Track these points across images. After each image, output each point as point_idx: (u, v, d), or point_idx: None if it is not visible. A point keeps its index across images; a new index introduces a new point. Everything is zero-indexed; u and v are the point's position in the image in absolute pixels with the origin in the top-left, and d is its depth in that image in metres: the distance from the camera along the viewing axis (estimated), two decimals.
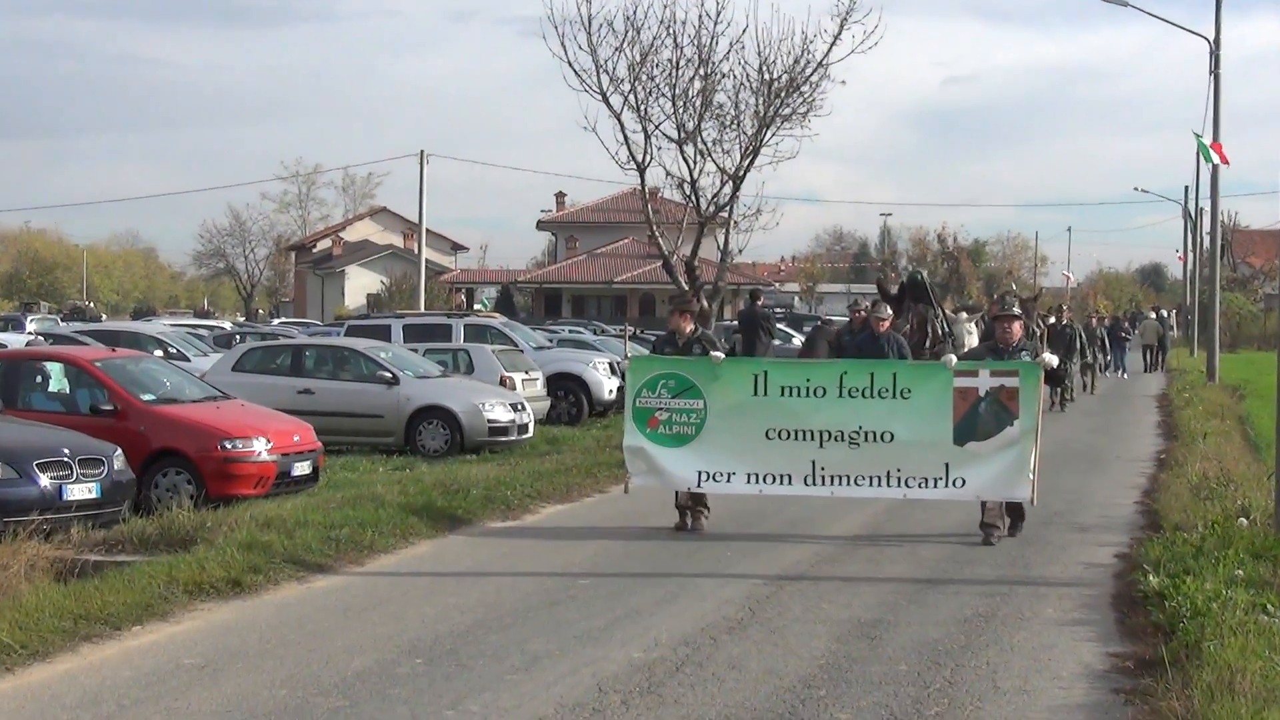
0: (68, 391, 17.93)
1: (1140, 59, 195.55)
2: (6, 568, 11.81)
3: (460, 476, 18.11)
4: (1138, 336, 56.58)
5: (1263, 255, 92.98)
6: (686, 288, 24.67)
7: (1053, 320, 34.74)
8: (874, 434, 14.49)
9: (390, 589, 12.25)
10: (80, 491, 14.46)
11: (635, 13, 25.25)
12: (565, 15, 25.47)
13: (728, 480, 14.86)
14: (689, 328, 15.78)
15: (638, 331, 38.85)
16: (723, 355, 15.60)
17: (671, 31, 25.41)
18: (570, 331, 45.55)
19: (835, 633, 10.62)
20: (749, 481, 14.85)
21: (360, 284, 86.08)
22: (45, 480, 14.20)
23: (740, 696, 8.86)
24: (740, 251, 28.32)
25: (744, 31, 25.62)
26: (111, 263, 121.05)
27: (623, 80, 26.06)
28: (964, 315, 24.82)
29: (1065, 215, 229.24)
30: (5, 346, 27.62)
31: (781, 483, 14.81)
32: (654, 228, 26.81)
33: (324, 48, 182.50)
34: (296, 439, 17.88)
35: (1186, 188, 67.79)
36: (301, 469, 17.66)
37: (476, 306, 74.87)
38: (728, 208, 27.11)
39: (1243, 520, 14.16)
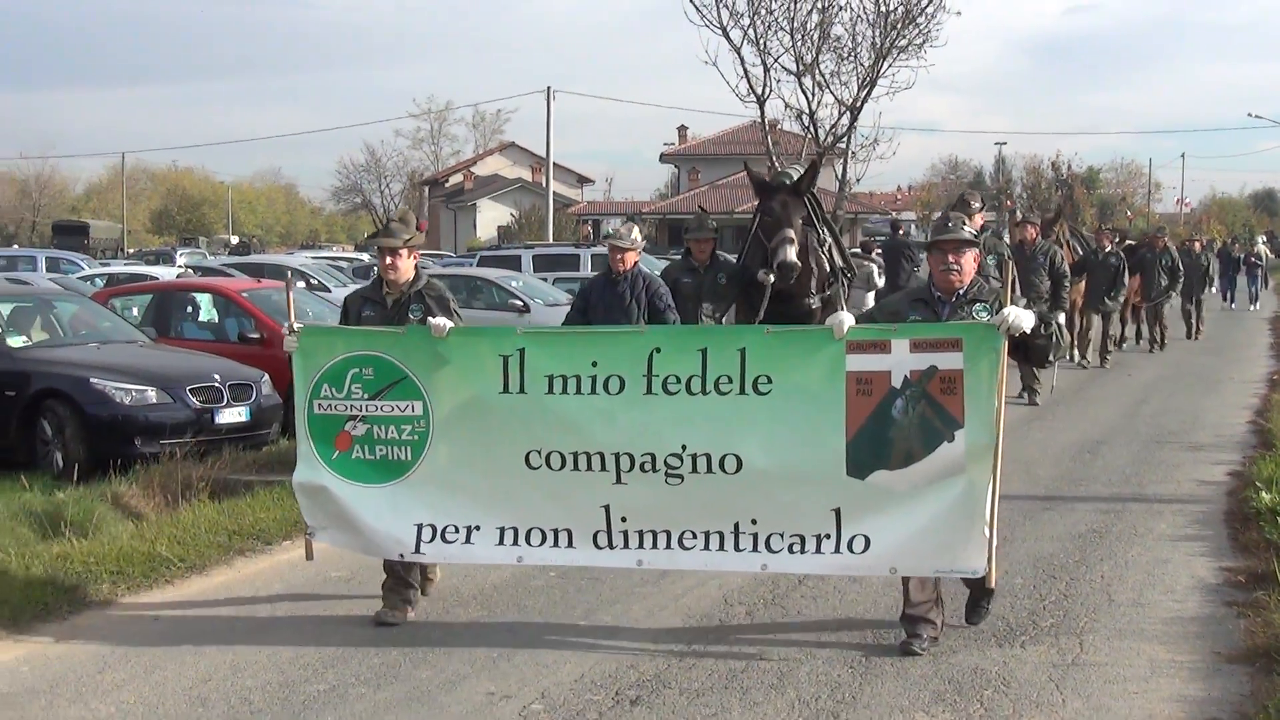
0: (216, 321, 18.25)
1: None
2: (165, 487, 12.14)
3: None
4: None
5: None
6: None
7: (1087, 244, 24.60)
8: (708, 458, 7.98)
9: None
10: (231, 415, 14.76)
11: None
12: None
13: (467, 539, 8.40)
14: (405, 275, 8.97)
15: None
16: (447, 323, 8.49)
17: None
18: None
19: None
20: (501, 541, 8.35)
21: (491, 217, 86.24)
22: (198, 404, 14.52)
23: (860, 608, 8.87)
24: (858, 181, 28.19)
25: None
26: (255, 199, 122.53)
27: (742, 14, 26.02)
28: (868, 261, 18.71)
29: (1181, 142, 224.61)
30: (157, 279, 28.24)
31: (556, 543, 8.29)
32: (773, 159, 26.72)
33: None
34: None
35: None
36: None
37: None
38: (845, 138, 27.00)
39: None
